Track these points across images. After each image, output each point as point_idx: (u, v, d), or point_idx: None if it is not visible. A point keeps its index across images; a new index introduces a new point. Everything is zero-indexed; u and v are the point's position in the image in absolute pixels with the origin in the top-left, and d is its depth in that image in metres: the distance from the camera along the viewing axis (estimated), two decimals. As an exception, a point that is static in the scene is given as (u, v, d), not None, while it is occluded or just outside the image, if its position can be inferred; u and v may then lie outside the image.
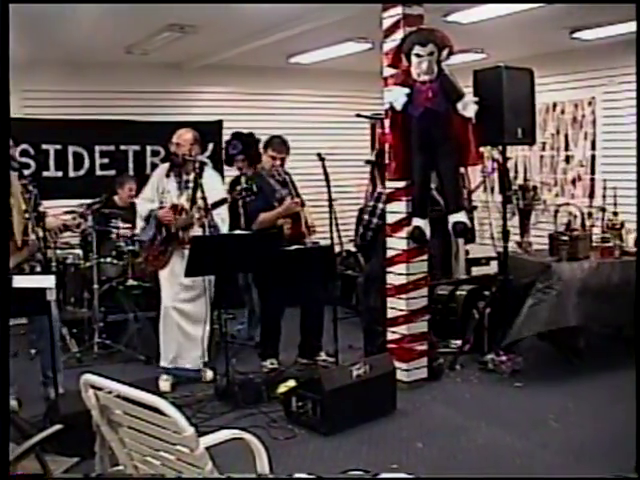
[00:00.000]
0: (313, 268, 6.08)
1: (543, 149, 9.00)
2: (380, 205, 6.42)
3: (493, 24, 6.64)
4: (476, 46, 8.06)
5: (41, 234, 5.24)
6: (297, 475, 3.47)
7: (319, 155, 6.31)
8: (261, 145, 7.01)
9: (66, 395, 4.90)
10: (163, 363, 6.11)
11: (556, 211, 6.95)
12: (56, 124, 8.43)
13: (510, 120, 6.01)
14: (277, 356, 6.51)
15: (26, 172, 5.73)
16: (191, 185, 5.99)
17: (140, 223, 6.17)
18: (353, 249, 8.82)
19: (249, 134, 7.93)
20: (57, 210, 5.90)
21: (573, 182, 8.69)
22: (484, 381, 6.13)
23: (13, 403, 5.49)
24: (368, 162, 6.59)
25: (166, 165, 6.23)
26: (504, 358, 6.22)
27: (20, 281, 4.71)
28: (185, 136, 6.10)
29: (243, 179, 6.34)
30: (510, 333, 6.18)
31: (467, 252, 8.45)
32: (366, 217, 6.59)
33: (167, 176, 6.11)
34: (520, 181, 8.20)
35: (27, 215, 5.33)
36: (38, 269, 5.48)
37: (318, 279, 6.57)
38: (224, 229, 6.01)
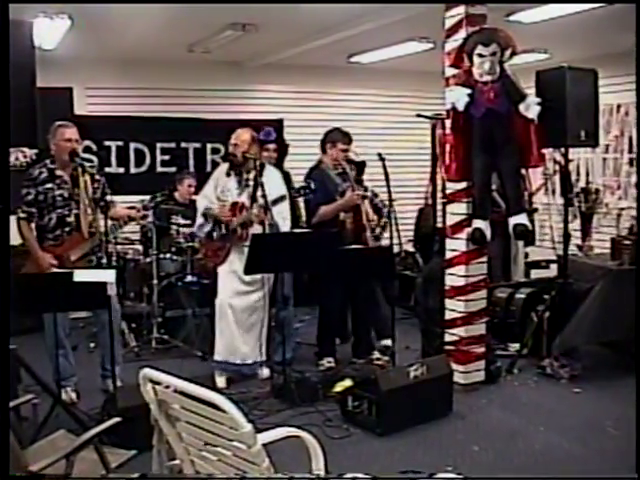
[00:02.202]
0: (372, 268, 6.03)
1: (606, 151, 8.85)
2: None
3: (556, 24, 6.57)
4: (539, 46, 7.97)
5: (102, 229, 5.34)
6: (352, 475, 3.46)
7: (379, 155, 6.30)
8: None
9: (124, 388, 4.97)
10: (217, 357, 6.11)
11: (619, 215, 6.85)
12: (118, 121, 8.56)
13: (573, 122, 5.89)
14: (334, 355, 6.52)
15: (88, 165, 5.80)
16: (251, 183, 6.01)
17: (199, 219, 6.22)
18: (412, 249, 8.83)
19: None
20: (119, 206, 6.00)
21: (637, 185, 8.54)
22: (542, 385, 6.05)
23: (72, 395, 5.60)
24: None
25: (226, 165, 6.25)
26: (563, 363, 6.14)
27: (81, 275, 4.79)
28: (243, 136, 6.10)
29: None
30: (561, 339, 6.12)
31: (526, 255, 8.37)
32: None
33: (227, 175, 6.14)
34: (582, 184, 8.10)
35: (91, 208, 5.46)
36: (104, 260, 5.59)
37: (375, 279, 6.58)
38: (285, 227, 6.02)
